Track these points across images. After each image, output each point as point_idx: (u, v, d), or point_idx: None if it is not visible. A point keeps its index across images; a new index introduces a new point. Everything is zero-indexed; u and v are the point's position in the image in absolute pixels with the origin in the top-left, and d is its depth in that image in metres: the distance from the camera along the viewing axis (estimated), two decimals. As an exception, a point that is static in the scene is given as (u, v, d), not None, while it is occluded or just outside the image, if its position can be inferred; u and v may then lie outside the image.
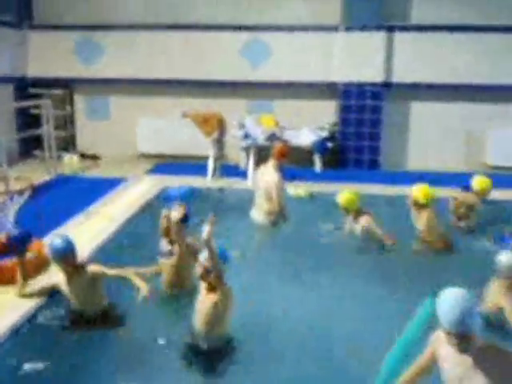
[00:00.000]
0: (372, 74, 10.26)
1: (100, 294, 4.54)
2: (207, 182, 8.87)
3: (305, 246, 6.22)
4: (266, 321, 4.51)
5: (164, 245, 5.08)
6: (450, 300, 2.88)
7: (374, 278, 5.35)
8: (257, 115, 10.37)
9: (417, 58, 10.24)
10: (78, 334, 4.32)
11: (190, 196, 7.57)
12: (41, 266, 5.21)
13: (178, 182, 8.48)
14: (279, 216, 6.89)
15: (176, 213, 4.82)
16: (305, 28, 10.43)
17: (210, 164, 8.94)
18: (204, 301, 3.97)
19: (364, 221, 6.16)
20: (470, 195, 6.75)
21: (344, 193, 6.29)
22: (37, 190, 7.06)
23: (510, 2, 10.09)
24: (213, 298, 3.91)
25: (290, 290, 5.14)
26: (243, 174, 9.11)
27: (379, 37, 10.15)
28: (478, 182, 6.80)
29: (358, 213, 6.22)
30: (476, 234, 6.59)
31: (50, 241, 4.55)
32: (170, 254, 4.95)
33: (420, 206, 6.06)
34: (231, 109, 10.20)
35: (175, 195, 7.28)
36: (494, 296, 4.40)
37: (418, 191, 6.06)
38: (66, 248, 4.38)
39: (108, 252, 5.82)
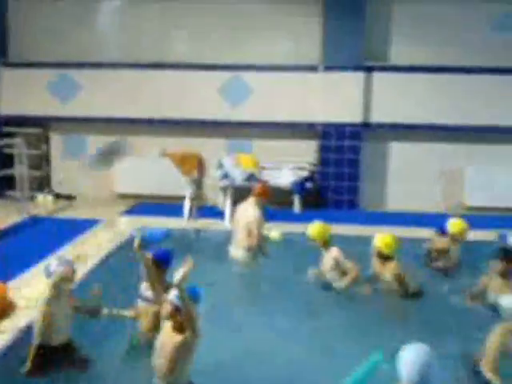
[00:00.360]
0: (351, 114, 10.30)
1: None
2: (184, 223, 8.67)
3: (278, 288, 6.13)
4: (229, 363, 4.39)
5: (145, 288, 4.87)
6: (409, 356, 2.89)
7: (341, 324, 5.26)
8: (236, 155, 10.28)
9: (395, 99, 10.31)
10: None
11: (166, 238, 7.36)
12: (4, 310, 4.97)
13: (155, 224, 8.26)
14: (259, 251, 6.85)
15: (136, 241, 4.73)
16: (284, 68, 10.47)
17: (187, 204, 8.78)
18: (170, 340, 3.75)
19: (333, 253, 6.03)
20: (441, 239, 6.75)
21: (314, 224, 6.24)
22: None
23: (485, 43, 10.26)
24: (180, 338, 3.71)
25: (257, 333, 5.01)
26: (221, 215, 8.95)
27: (358, 77, 10.23)
28: (453, 224, 6.76)
29: (328, 244, 6.11)
30: (451, 277, 6.50)
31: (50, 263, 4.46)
32: (151, 298, 4.74)
33: (384, 258, 5.89)
34: (210, 148, 10.15)
35: (150, 238, 7.05)
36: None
37: (382, 242, 5.87)
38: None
39: (80, 294, 5.56)
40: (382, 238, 5.91)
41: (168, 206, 9.65)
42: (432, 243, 6.86)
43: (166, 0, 10.74)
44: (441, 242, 6.75)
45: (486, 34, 10.25)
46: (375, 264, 6.04)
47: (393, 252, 5.84)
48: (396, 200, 10.66)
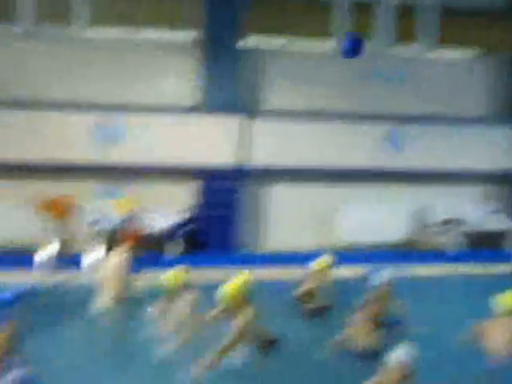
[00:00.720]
0: (229, 157, 10.32)
1: None
2: (43, 274, 7.89)
3: (130, 345, 5.77)
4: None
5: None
6: None
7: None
8: (111, 199, 9.76)
9: (273, 142, 10.53)
10: None
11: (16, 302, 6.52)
12: None
13: (9, 279, 7.42)
14: (125, 299, 6.40)
15: None
16: (160, 109, 10.26)
17: (51, 253, 8.10)
18: None
19: (189, 298, 5.67)
20: (311, 281, 6.68)
21: (168, 271, 5.86)
22: None
23: (357, 92, 11.02)
24: None
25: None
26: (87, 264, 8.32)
27: (236, 120, 10.32)
28: (319, 262, 6.77)
29: (182, 291, 5.71)
30: (322, 319, 6.41)
31: None
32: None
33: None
34: (83, 193, 9.52)
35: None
36: None
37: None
38: None
39: None
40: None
41: (26, 257, 8.63)
42: (300, 284, 6.77)
43: (34, 37, 10.17)
44: (307, 283, 6.68)
45: (359, 82, 11.03)
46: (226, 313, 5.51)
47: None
48: (275, 240, 10.73)
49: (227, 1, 10.28)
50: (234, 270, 8.28)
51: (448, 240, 10.66)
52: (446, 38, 11.53)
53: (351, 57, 6.27)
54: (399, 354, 4.25)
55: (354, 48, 6.20)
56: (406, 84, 11.28)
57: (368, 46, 11.12)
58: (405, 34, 11.43)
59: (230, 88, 10.31)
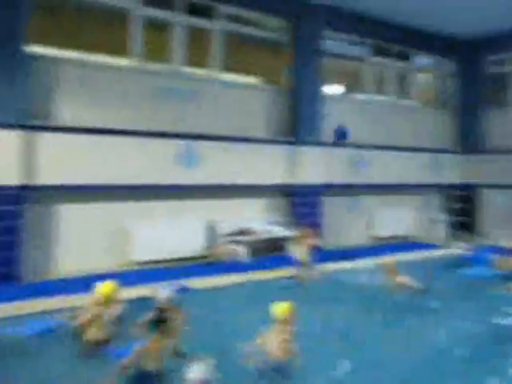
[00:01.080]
0: (8, 175, 9.38)
1: None
2: None
3: None
4: None
5: None
6: None
7: None
8: None
9: (60, 159, 9.92)
10: None
11: None
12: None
13: None
14: None
15: None
16: None
17: None
18: None
19: None
20: (92, 308, 6.05)
21: None
22: None
23: (151, 110, 11.12)
24: None
25: None
26: None
27: (16, 136, 9.45)
28: (102, 287, 6.23)
29: None
30: (104, 350, 5.83)
31: None
32: None
33: None
34: None
35: None
36: None
37: None
38: None
39: None
40: None
41: None
42: (80, 313, 6.12)
43: None
44: (89, 312, 6.02)
45: (152, 101, 11.14)
46: None
47: None
48: (67, 264, 10.08)
49: (5, 6, 9.47)
50: (14, 303, 7.64)
51: (239, 250, 11.29)
52: (234, 63, 12.42)
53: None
54: (196, 373, 4.31)
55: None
56: (197, 103, 11.74)
57: (163, 65, 11.44)
58: (198, 56, 11.91)
59: (11, 100, 9.43)
